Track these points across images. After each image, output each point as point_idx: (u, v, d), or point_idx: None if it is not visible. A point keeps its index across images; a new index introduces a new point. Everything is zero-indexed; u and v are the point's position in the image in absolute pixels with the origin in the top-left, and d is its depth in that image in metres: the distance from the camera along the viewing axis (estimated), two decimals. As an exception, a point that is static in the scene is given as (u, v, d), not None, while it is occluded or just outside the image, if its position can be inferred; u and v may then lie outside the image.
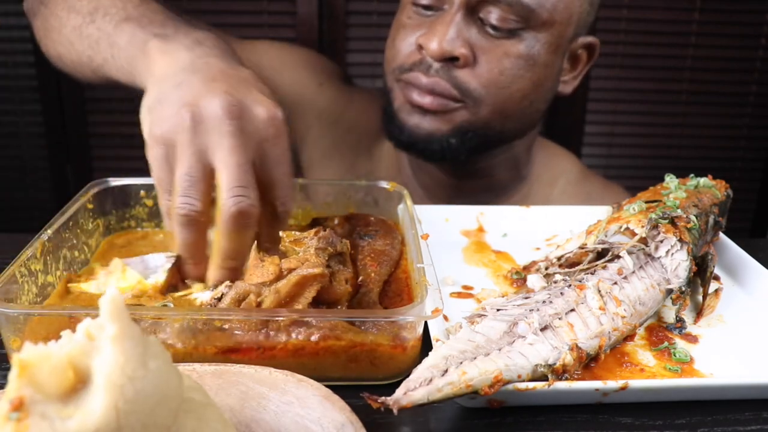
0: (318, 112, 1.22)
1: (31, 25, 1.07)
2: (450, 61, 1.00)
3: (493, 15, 0.99)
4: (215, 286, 0.66)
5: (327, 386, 0.53)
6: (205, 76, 0.68)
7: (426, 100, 1.02)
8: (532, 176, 1.23)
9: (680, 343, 0.68)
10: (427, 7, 1.03)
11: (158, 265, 0.68)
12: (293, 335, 0.59)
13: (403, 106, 1.05)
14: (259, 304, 0.60)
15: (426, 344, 0.61)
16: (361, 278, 0.71)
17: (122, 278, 0.68)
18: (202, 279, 0.68)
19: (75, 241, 0.76)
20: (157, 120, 0.67)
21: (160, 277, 0.67)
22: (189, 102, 0.65)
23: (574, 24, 1.06)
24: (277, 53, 1.24)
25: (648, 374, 0.63)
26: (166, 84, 0.69)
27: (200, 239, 0.66)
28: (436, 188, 1.17)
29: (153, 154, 0.67)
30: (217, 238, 0.65)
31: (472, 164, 1.13)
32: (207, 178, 0.64)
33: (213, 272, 0.67)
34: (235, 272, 0.66)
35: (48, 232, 0.70)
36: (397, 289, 0.73)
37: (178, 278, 0.68)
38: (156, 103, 0.68)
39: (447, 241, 0.88)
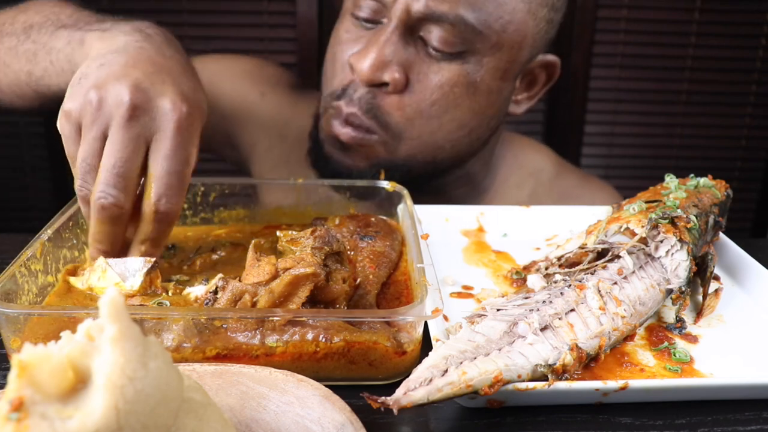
0: (262, 123, 1.16)
1: None
2: (379, 86, 0.92)
3: (435, 35, 0.89)
4: (207, 280, 0.68)
5: (327, 386, 0.53)
6: (127, 60, 0.69)
7: (343, 131, 0.95)
8: (497, 183, 1.15)
9: (680, 343, 0.68)
10: (366, 20, 0.94)
11: (136, 269, 0.68)
12: (289, 335, 0.59)
13: (327, 139, 0.98)
14: (254, 304, 0.60)
15: (426, 344, 0.61)
16: (359, 280, 0.71)
17: (102, 277, 0.68)
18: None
19: (75, 241, 0.76)
20: (70, 95, 0.68)
21: (136, 282, 0.67)
22: (99, 84, 0.66)
23: (528, 47, 0.96)
24: (216, 66, 1.18)
25: (648, 374, 0.63)
26: (93, 63, 0.70)
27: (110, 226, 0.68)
28: None
29: (62, 128, 0.69)
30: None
31: (421, 184, 1.02)
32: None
33: (90, 248, 0.69)
34: (107, 254, 0.68)
35: (48, 232, 0.70)
36: (395, 292, 0.73)
37: (152, 284, 0.69)
38: (76, 80, 0.69)
39: (447, 241, 0.88)
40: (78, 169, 0.67)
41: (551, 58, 1.03)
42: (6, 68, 0.91)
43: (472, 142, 1.01)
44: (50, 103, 0.89)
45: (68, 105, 0.67)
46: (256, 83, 1.18)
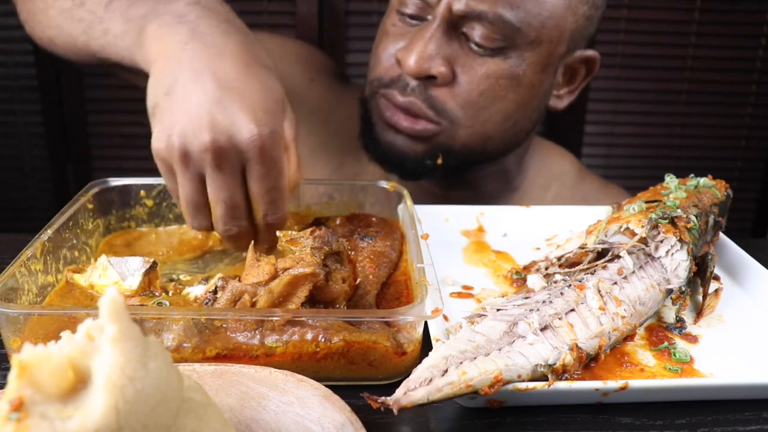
0: (308, 108, 1.18)
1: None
2: (427, 79, 0.95)
3: (477, 32, 0.93)
4: (207, 279, 0.69)
5: (327, 386, 0.53)
6: (194, 77, 0.68)
7: (401, 121, 0.98)
8: (525, 183, 1.19)
9: (680, 343, 0.68)
10: (411, 17, 0.98)
11: (135, 269, 0.68)
12: (288, 335, 0.59)
13: (379, 121, 1.02)
14: (253, 304, 0.60)
15: (426, 344, 0.61)
16: (359, 280, 0.71)
17: (103, 276, 0.68)
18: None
19: (75, 241, 0.76)
20: (154, 130, 0.70)
21: (135, 281, 0.67)
22: (178, 131, 0.67)
23: (566, 41, 1.00)
24: (272, 45, 1.18)
25: (648, 374, 0.63)
26: (159, 87, 0.70)
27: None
28: (422, 197, 1.13)
29: (157, 162, 0.72)
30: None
31: (458, 176, 1.09)
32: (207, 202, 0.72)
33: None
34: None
35: (48, 232, 0.70)
36: (395, 292, 0.73)
37: (151, 285, 0.69)
38: (151, 109, 0.71)
39: (447, 241, 0.88)
40: (187, 211, 0.73)
41: (591, 53, 1.06)
42: (60, 30, 0.88)
43: (517, 134, 1.05)
44: (111, 68, 0.88)
45: (155, 145, 0.69)
46: (308, 69, 1.21)
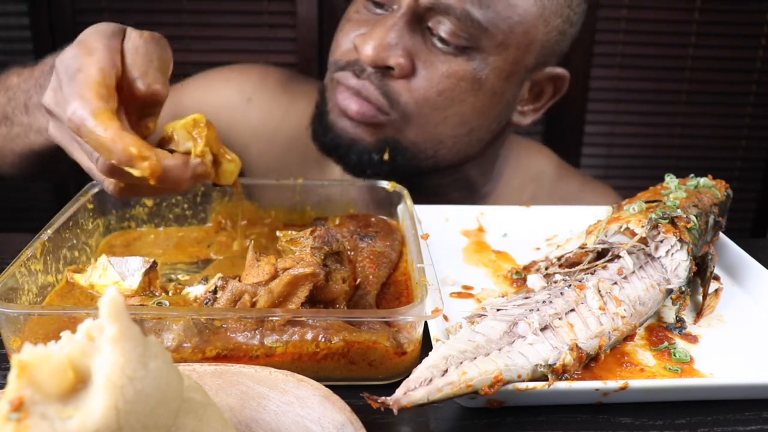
0: (252, 128, 1.14)
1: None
2: (385, 69, 0.92)
3: (443, 27, 0.90)
4: (207, 279, 0.68)
5: (327, 386, 0.53)
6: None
7: (352, 105, 0.94)
8: (500, 186, 1.15)
9: (680, 343, 0.68)
10: (377, 4, 0.95)
11: (135, 269, 0.68)
12: (288, 335, 0.59)
13: (334, 109, 0.98)
14: (253, 304, 0.60)
15: (426, 344, 0.61)
16: (359, 280, 0.71)
17: (103, 275, 0.68)
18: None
19: (75, 241, 0.76)
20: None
21: (135, 281, 0.67)
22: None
23: (535, 52, 0.96)
24: (196, 87, 1.17)
25: (648, 374, 0.63)
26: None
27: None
28: None
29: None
30: None
31: (419, 183, 1.01)
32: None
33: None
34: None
35: (48, 232, 0.70)
36: (395, 292, 0.73)
37: (151, 285, 0.69)
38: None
39: (447, 241, 0.88)
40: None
41: (560, 71, 1.02)
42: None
43: (472, 142, 1.01)
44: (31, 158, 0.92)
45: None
46: (241, 89, 1.16)
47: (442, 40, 0.91)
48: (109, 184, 0.70)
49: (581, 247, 0.76)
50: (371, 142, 0.97)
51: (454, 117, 0.95)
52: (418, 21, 0.92)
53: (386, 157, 0.97)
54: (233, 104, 1.15)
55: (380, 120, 0.95)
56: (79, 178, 0.83)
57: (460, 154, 1.02)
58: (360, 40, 0.93)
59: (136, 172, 0.62)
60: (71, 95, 0.62)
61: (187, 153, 0.69)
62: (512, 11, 0.91)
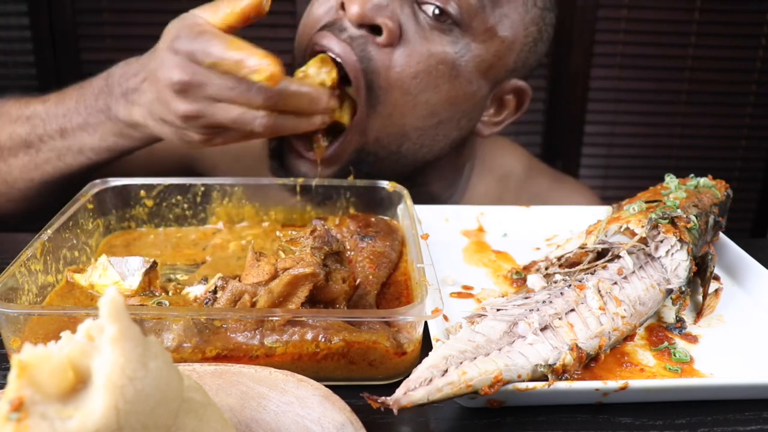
0: (219, 150, 1.11)
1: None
2: (370, 31, 0.87)
3: (433, 1, 0.87)
4: (206, 279, 0.68)
5: (327, 386, 0.53)
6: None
7: (336, 45, 0.87)
8: (465, 193, 1.12)
9: (680, 343, 0.68)
10: None
11: (135, 269, 0.68)
12: (288, 335, 0.59)
13: (291, 153, 0.93)
14: (253, 304, 0.60)
15: (426, 344, 0.61)
16: (359, 280, 0.71)
17: (103, 275, 0.69)
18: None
19: (75, 241, 0.76)
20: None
21: (135, 281, 0.67)
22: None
23: (515, 52, 0.95)
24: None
25: (648, 374, 0.63)
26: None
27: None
28: None
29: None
30: None
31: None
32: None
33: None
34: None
35: (48, 232, 0.70)
36: (395, 292, 0.73)
37: (151, 285, 0.69)
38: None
39: (447, 241, 0.88)
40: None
41: (523, 84, 1.01)
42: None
43: (438, 137, 0.97)
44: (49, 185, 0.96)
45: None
46: None
47: (434, 12, 0.88)
48: (262, 118, 0.79)
49: (581, 247, 0.76)
50: (332, 173, 0.94)
51: (424, 106, 0.91)
52: None
53: (351, 178, 0.94)
54: None
55: (346, 89, 0.91)
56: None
57: (423, 151, 0.98)
58: None
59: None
60: (206, 43, 0.76)
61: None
62: (506, 1, 0.92)
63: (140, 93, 0.83)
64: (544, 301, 0.64)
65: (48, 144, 0.92)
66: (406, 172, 0.99)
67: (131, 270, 0.68)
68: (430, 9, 0.88)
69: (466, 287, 0.77)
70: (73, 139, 0.90)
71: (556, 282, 0.69)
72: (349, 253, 0.76)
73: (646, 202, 0.81)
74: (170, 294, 0.68)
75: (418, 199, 1.02)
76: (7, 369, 0.62)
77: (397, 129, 0.93)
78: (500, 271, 0.82)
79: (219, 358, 0.59)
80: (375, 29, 0.87)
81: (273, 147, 0.96)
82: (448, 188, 1.10)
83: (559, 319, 0.62)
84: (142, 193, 0.86)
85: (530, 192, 1.15)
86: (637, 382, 0.57)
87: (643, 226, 0.74)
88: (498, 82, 0.98)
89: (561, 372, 0.58)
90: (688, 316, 0.73)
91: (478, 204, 1.10)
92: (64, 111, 0.91)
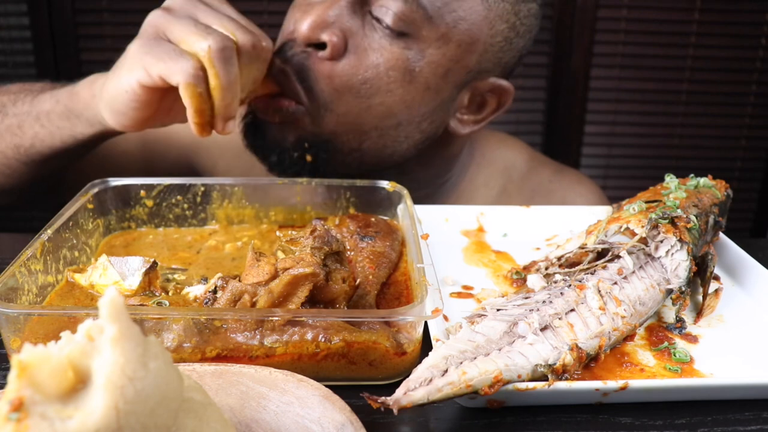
0: (218, 145, 1.13)
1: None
2: (317, 48, 0.90)
3: (385, 9, 0.88)
4: (206, 279, 0.68)
5: (327, 386, 0.53)
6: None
7: (266, 104, 0.92)
8: (461, 185, 1.12)
9: (680, 343, 0.68)
10: None
11: (135, 269, 0.68)
12: (288, 335, 0.59)
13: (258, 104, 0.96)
14: (253, 304, 0.60)
15: (426, 344, 0.61)
16: (359, 280, 0.71)
17: (103, 275, 0.69)
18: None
19: (75, 241, 0.76)
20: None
21: (135, 281, 0.67)
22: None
23: (477, 54, 0.93)
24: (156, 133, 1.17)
25: (648, 374, 0.63)
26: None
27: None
28: None
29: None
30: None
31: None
32: None
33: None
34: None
35: (48, 232, 0.70)
36: (395, 292, 0.73)
37: (151, 285, 0.69)
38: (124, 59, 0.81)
39: (447, 241, 0.88)
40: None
41: (504, 83, 1.00)
42: None
43: (399, 138, 0.97)
44: (41, 174, 0.95)
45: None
46: None
47: (384, 22, 0.89)
48: (194, 65, 0.77)
49: (581, 247, 0.76)
50: (292, 141, 0.95)
51: (379, 107, 0.92)
52: (361, 4, 0.90)
53: (309, 158, 0.96)
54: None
55: (296, 113, 0.92)
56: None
57: (388, 151, 0.98)
58: (299, 15, 0.91)
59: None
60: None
61: None
62: (459, 5, 0.90)
63: (110, 72, 0.83)
64: (544, 301, 0.64)
65: (10, 110, 0.92)
66: (379, 170, 0.99)
67: (131, 270, 0.68)
68: (379, 16, 0.89)
69: (466, 287, 0.77)
70: (32, 105, 0.91)
71: (556, 282, 0.69)
72: (349, 253, 0.76)
73: (646, 202, 0.81)
74: (170, 294, 0.68)
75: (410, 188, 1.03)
76: (7, 369, 0.62)
77: (355, 126, 0.94)
78: (500, 271, 0.82)
79: (219, 358, 0.59)
80: (321, 45, 0.90)
81: (247, 123, 0.98)
82: (435, 176, 1.09)
83: (559, 319, 0.62)
84: (142, 193, 0.86)
85: (532, 184, 1.14)
86: (637, 382, 0.57)
87: (643, 226, 0.74)
88: (465, 84, 0.97)
89: (561, 372, 0.58)
90: (688, 316, 0.73)
91: (480, 196, 1.12)
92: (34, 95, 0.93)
